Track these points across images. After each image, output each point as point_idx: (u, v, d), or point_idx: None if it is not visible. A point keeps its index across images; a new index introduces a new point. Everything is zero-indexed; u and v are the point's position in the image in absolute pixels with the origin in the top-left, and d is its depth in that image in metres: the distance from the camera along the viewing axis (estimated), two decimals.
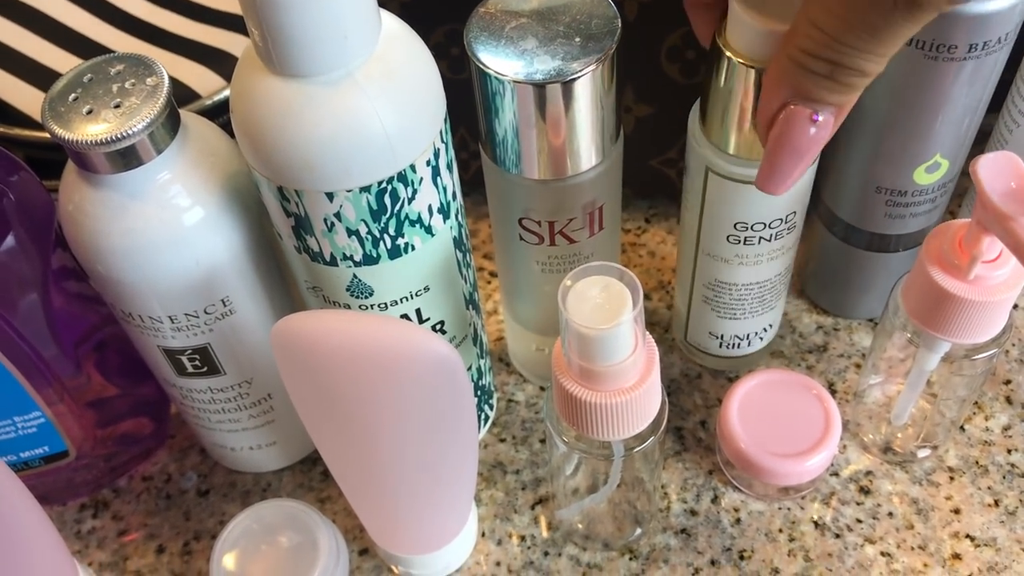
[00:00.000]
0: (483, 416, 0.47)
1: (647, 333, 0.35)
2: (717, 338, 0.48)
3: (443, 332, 0.40)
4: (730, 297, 0.45)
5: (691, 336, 0.49)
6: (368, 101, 0.31)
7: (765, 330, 0.47)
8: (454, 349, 0.33)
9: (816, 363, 0.50)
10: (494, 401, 0.49)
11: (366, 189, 0.32)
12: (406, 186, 0.33)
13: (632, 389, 0.35)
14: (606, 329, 0.33)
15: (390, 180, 0.33)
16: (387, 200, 0.33)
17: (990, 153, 0.35)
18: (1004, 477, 0.45)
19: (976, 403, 0.48)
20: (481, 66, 0.35)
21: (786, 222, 0.41)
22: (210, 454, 0.49)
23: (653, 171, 0.54)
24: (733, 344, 0.48)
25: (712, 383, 0.50)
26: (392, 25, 0.33)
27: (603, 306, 0.34)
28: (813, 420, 0.44)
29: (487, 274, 0.55)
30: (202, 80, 0.49)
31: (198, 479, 0.48)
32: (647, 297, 0.53)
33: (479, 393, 0.45)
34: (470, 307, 0.41)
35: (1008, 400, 0.48)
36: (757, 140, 0.38)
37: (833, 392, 0.49)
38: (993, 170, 0.35)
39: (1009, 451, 0.46)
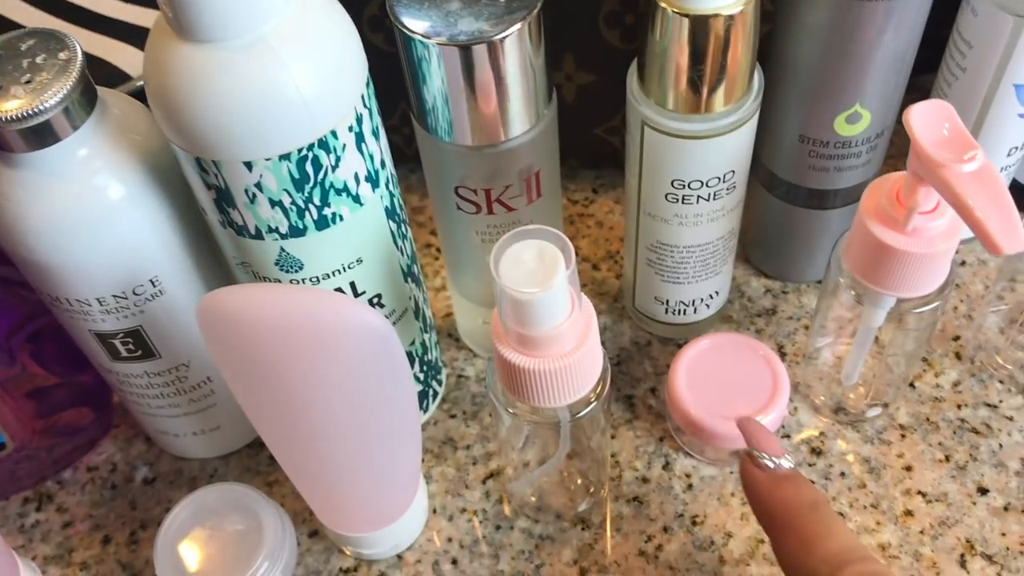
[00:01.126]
0: (432, 392, 0.46)
1: (583, 295, 0.35)
2: (663, 303, 0.47)
3: (381, 306, 0.39)
4: (672, 260, 0.44)
5: (639, 302, 0.48)
6: (282, 65, 0.30)
7: (711, 296, 0.47)
8: (386, 320, 0.32)
9: (765, 326, 0.50)
10: (443, 376, 0.48)
11: (286, 157, 0.32)
12: (328, 153, 0.32)
13: (571, 353, 0.35)
14: (539, 293, 0.33)
15: (310, 147, 0.32)
16: (309, 168, 0.32)
17: (923, 102, 0.34)
18: (954, 432, 0.45)
19: (926, 359, 0.48)
20: (405, 30, 0.34)
21: (724, 181, 0.41)
22: (155, 442, 0.48)
23: (598, 140, 0.53)
24: (679, 310, 0.47)
25: (661, 351, 0.49)
26: None
27: (536, 270, 0.33)
28: (761, 382, 0.44)
29: (434, 250, 0.55)
30: (132, 60, 0.48)
31: (145, 467, 0.48)
32: (596, 267, 0.53)
33: (425, 369, 0.45)
34: (409, 280, 0.40)
35: (957, 356, 0.48)
36: (694, 94, 0.37)
37: (783, 355, 0.48)
38: (926, 118, 0.34)
39: (959, 406, 0.46)
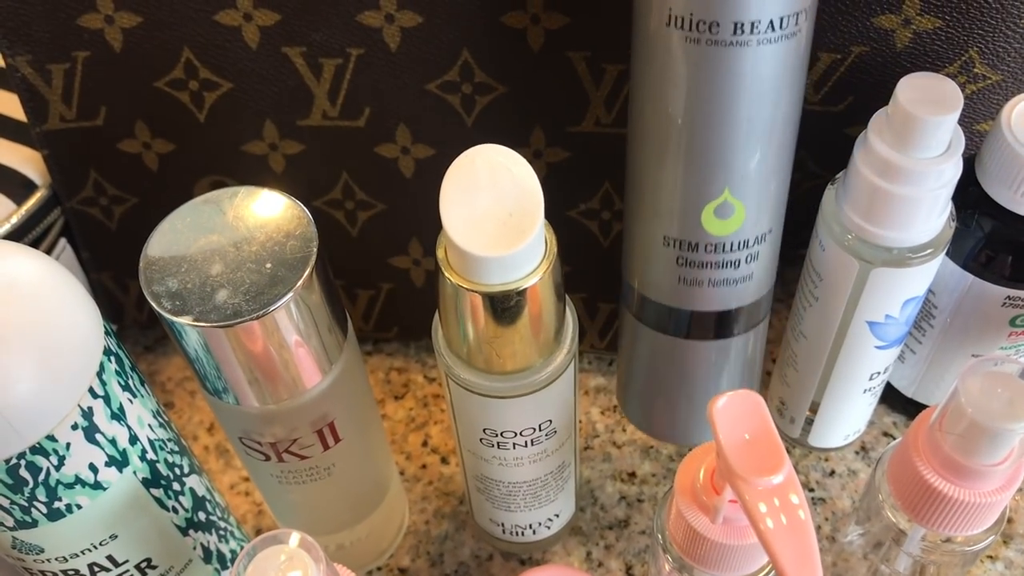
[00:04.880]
0: None
1: None
2: (499, 525, 0.44)
3: (152, 568, 0.35)
4: (500, 492, 0.41)
5: (477, 518, 0.45)
6: None
7: (550, 520, 0.43)
8: None
9: (616, 541, 0.46)
10: None
11: None
12: (46, 456, 0.29)
13: None
14: None
15: (20, 456, 0.28)
16: (24, 473, 0.29)
17: (731, 394, 0.31)
18: None
19: None
20: (159, 311, 0.31)
21: (541, 430, 0.37)
22: None
23: None
24: (516, 532, 0.44)
25: (503, 567, 0.46)
26: (15, 274, 0.28)
27: None
28: None
29: None
30: None
31: None
32: (444, 461, 0.49)
33: None
34: (192, 531, 0.37)
35: None
36: (491, 354, 0.34)
37: None
38: (731, 414, 0.31)
39: None
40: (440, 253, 0.32)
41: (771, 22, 0.31)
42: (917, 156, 0.34)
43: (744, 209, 0.35)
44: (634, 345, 0.42)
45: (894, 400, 0.48)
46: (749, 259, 0.37)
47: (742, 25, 0.31)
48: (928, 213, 0.35)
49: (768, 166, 0.34)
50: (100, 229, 0.48)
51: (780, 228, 0.37)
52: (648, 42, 0.33)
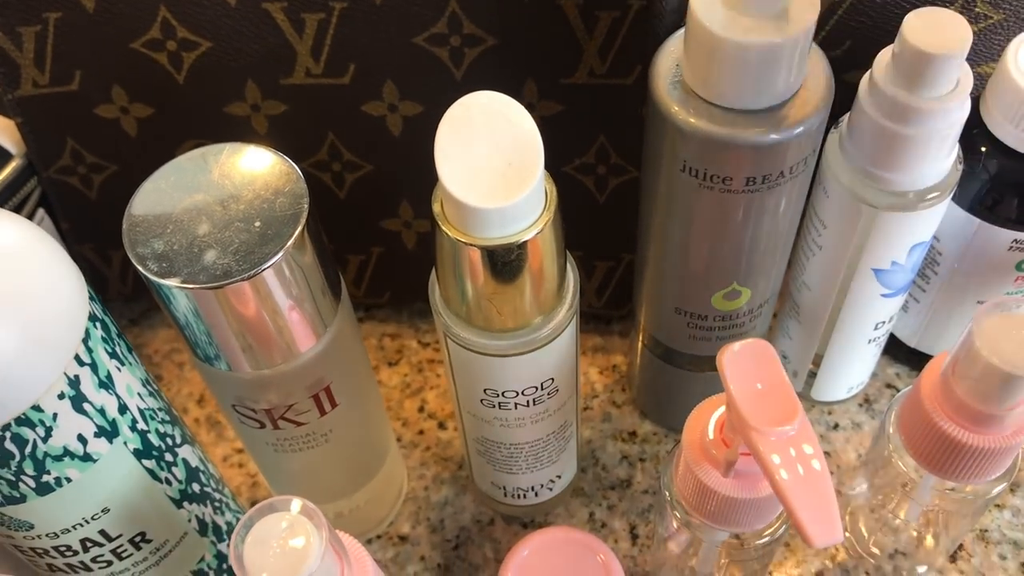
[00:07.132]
0: None
1: (347, 548, 0.30)
2: (500, 488, 0.43)
3: (146, 542, 0.34)
4: (501, 454, 0.40)
5: (478, 482, 0.44)
6: None
7: (552, 481, 0.43)
8: None
9: (619, 501, 0.45)
10: None
11: None
12: (32, 427, 0.28)
13: None
14: None
15: (5, 428, 0.27)
16: (10, 446, 0.28)
17: (741, 343, 0.30)
18: None
19: (787, 544, 0.44)
20: (145, 273, 0.30)
21: (543, 388, 0.36)
22: None
23: None
24: (518, 495, 0.43)
25: (505, 531, 0.45)
26: None
27: (288, 553, 0.28)
28: None
29: None
30: None
31: None
32: (442, 426, 0.48)
33: (228, 571, 0.40)
34: (186, 503, 0.36)
35: None
36: (492, 311, 0.33)
37: (635, 536, 0.44)
38: (741, 365, 0.30)
39: None
40: (436, 207, 0.31)
41: (782, 172, 0.33)
42: (925, 95, 0.33)
43: (749, 291, 0.38)
44: (647, 368, 0.45)
45: (897, 351, 0.48)
46: (752, 319, 0.40)
47: (753, 179, 0.32)
48: (936, 154, 0.34)
49: (771, 260, 0.37)
50: (79, 199, 0.46)
51: (779, 287, 0.40)
52: (661, 178, 0.35)
